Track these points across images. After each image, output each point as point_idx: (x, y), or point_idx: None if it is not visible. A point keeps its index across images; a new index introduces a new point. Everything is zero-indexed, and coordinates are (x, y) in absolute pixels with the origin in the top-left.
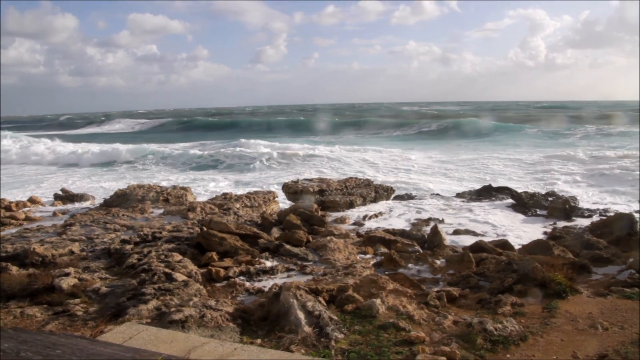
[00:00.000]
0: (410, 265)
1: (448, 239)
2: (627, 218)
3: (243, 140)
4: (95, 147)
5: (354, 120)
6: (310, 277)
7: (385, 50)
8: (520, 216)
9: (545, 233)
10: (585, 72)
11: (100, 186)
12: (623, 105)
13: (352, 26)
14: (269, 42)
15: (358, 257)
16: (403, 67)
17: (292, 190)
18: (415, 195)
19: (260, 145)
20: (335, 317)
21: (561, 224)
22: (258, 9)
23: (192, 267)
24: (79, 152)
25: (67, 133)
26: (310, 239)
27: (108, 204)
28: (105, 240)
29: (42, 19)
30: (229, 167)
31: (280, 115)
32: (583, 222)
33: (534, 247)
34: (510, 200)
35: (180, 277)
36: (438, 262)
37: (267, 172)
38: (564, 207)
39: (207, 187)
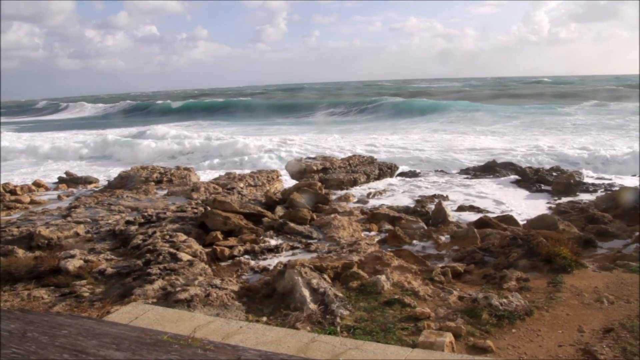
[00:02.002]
0: (414, 241)
1: (452, 215)
2: (634, 191)
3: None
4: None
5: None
6: (314, 254)
7: (385, 27)
8: (525, 192)
9: (550, 208)
10: (589, 46)
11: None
12: (625, 80)
13: (352, 2)
14: (269, 21)
15: (362, 234)
16: (404, 43)
17: (296, 169)
18: (419, 172)
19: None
20: (340, 294)
21: (566, 199)
22: None
23: (197, 247)
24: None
25: (40, 119)
26: (315, 216)
27: (112, 186)
28: (110, 221)
29: (39, 2)
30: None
31: (260, 95)
32: (588, 197)
33: (538, 222)
34: (514, 176)
35: (185, 256)
36: (443, 238)
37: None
38: (568, 182)
39: None
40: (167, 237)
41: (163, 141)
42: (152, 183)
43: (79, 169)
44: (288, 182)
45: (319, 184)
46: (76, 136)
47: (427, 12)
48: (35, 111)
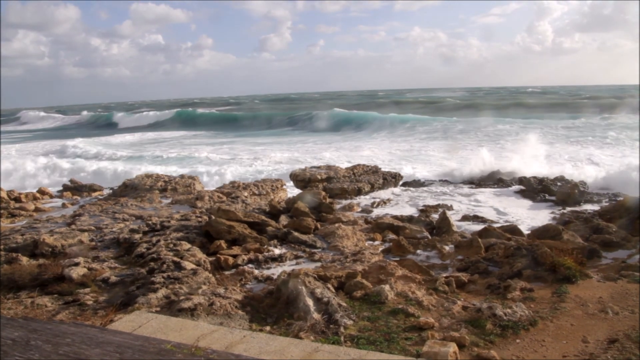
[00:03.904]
0: (418, 251)
1: (456, 225)
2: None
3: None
4: None
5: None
6: (318, 264)
7: (390, 37)
8: (529, 201)
9: (554, 218)
10: (593, 56)
11: None
12: (624, 90)
13: (357, 12)
14: (274, 30)
15: (366, 244)
16: (409, 53)
17: (300, 178)
18: (424, 182)
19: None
20: (344, 304)
21: (570, 208)
22: None
23: (201, 256)
24: None
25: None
26: (319, 226)
27: (116, 194)
28: (114, 230)
29: (44, 10)
30: None
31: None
32: (592, 207)
33: (543, 232)
34: (518, 186)
35: (189, 265)
36: (447, 248)
37: None
38: (572, 192)
39: None
40: (171, 245)
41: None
42: (157, 191)
43: None
44: (292, 191)
45: (323, 193)
46: None
47: (432, 22)
48: (10, 121)
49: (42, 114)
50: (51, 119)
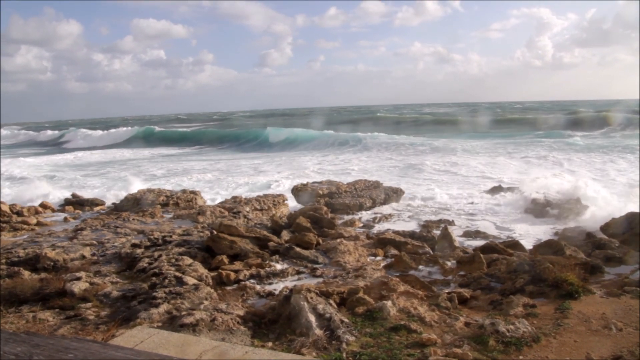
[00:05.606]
0: (420, 266)
1: (458, 241)
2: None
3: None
4: None
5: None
6: (320, 279)
7: (390, 52)
8: (530, 216)
9: (556, 233)
10: (593, 71)
11: None
12: (622, 104)
13: (357, 28)
14: (274, 46)
15: (368, 259)
16: (409, 68)
17: (302, 193)
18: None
19: None
20: (346, 320)
21: (573, 224)
22: (260, 12)
23: (203, 271)
24: None
25: None
26: (320, 241)
27: (118, 209)
28: (116, 244)
29: (46, 26)
30: None
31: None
32: (595, 222)
33: (545, 248)
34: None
35: (190, 280)
36: (449, 263)
37: None
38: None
39: None
40: (173, 260)
41: None
42: (159, 206)
43: None
44: (294, 206)
45: (325, 208)
46: None
47: (431, 38)
48: None
49: (16, 130)
50: (7, 137)
